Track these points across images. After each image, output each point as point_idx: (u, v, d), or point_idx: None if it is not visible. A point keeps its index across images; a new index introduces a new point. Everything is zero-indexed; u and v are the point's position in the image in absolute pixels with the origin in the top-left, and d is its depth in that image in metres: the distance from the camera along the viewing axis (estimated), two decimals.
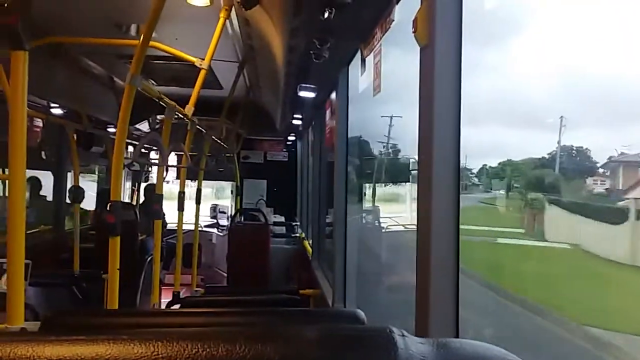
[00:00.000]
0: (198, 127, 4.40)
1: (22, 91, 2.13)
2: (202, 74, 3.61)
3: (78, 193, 5.33)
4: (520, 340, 2.62)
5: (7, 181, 2.24)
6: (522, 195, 2.97)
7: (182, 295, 4.54)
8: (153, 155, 7.66)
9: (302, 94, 4.46)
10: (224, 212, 9.68)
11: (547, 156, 2.61)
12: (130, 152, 6.66)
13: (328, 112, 4.86)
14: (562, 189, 2.65)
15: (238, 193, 9.04)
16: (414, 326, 1.68)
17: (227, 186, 11.71)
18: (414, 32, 1.69)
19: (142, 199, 8.83)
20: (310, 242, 6.79)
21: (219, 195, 12.21)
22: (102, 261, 3.01)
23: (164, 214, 4.82)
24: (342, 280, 3.98)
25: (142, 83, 2.84)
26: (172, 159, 5.76)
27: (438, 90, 1.58)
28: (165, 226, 5.65)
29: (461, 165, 1.65)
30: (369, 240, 5.24)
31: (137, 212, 5.63)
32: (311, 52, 3.11)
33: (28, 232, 2.27)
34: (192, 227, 5.68)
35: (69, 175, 6.21)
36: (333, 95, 4.34)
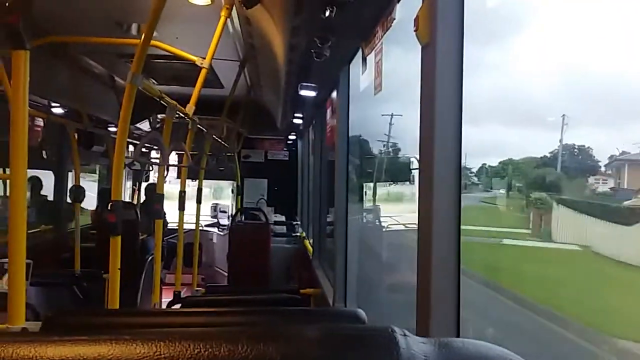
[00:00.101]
0: (199, 126, 4.40)
1: (23, 90, 2.13)
2: (203, 73, 3.61)
3: (79, 193, 5.34)
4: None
5: (8, 181, 2.24)
6: (525, 194, 2.94)
7: (182, 294, 4.54)
8: (154, 154, 7.66)
9: (303, 92, 4.46)
10: (225, 212, 9.69)
11: (548, 155, 2.60)
12: (131, 151, 6.66)
13: (329, 111, 4.86)
14: (566, 188, 2.62)
15: (239, 192, 9.04)
16: (414, 326, 1.68)
17: (226, 186, 11.70)
18: (415, 30, 1.68)
19: (142, 198, 8.84)
20: (311, 241, 6.79)
21: (217, 196, 12.13)
22: (103, 261, 3.01)
23: (165, 214, 4.82)
24: (342, 280, 3.98)
25: (143, 82, 2.84)
26: (173, 158, 5.76)
27: (439, 89, 1.57)
28: (166, 225, 5.65)
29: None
30: (370, 239, 5.23)
31: (138, 212, 5.64)
32: (312, 50, 3.11)
33: (29, 231, 2.27)
34: (192, 226, 5.69)
35: (70, 175, 6.22)
36: (334, 94, 4.34)
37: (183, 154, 4.42)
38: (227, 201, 10.49)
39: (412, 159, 4.13)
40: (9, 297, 2.17)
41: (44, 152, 5.11)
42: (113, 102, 5.37)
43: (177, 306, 4.23)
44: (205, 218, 9.09)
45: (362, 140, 5.25)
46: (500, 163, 3.15)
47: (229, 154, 7.44)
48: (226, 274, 7.82)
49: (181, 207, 4.65)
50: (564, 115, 2.38)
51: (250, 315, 2.00)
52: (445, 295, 1.56)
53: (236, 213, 8.15)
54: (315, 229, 6.24)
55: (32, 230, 5.40)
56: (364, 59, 3.06)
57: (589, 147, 2.43)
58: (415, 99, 1.72)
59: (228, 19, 3.39)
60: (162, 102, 3.47)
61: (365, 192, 5.45)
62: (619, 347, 2.04)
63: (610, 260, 2.14)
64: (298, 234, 8.52)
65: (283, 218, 9.17)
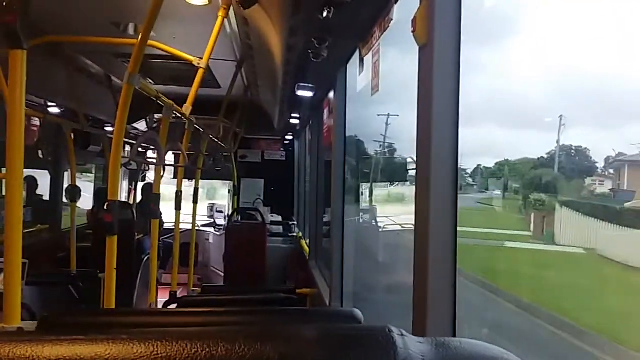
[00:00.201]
0: (196, 126, 4.40)
1: (20, 90, 2.13)
2: (200, 73, 3.61)
3: (75, 192, 5.33)
4: None
5: (4, 180, 2.24)
6: (523, 195, 2.93)
7: (179, 294, 4.53)
8: (150, 154, 7.65)
9: (300, 93, 4.46)
10: (221, 212, 9.69)
11: (545, 156, 2.60)
12: (128, 151, 6.65)
13: (326, 112, 4.85)
14: (565, 189, 2.61)
15: (235, 192, 9.03)
16: (411, 326, 1.68)
17: (219, 186, 11.66)
18: (413, 31, 1.69)
19: (139, 198, 8.83)
20: (308, 241, 6.79)
21: (210, 196, 12.04)
22: (99, 260, 3.01)
23: (161, 214, 4.81)
24: (339, 280, 3.98)
25: (140, 82, 2.84)
26: (170, 158, 5.75)
27: (437, 90, 1.58)
28: (162, 225, 5.64)
29: None
30: (365, 239, 5.23)
31: (134, 212, 5.63)
32: (309, 51, 3.11)
33: (25, 231, 2.26)
34: (189, 226, 5.68)
35: (66, 174, 6.21)
36: (331, 95, 4.34)
37: (180, 153, 4.41)
38: (221, 202, 10.47)
39: (408, 159, 4.14)
40: (4, 296, 2.16)
41: (40, 152, 5.11)
42: (110, 101, 5.35)
43: (174, 306, 4.23)
44: (202, 218, 9.08)
45: (358, 141, 5.26)
46: (496, 164, 3.15)
47: (225, 154, 7.43)
48: (222, 274, 7.82)
49: (177, 207, 4.65)
50: (561, 116, 2.39)
51: (247, 315, 2.00)
52: (442, 295, 1.57)
53: (233, 213, 8.14)
54: (312, 229, 6.24)
55: (28, 230, 5.38)
56: (362, 60, 3.06)
57: (585, 148, 2.44)
58: (412, 100, 1.72)
59: (225, 19, 3.39)
60: (159, 102, 3.47)
61: (362, 192, 5.45)
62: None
63: (617, 264, 2.10)
64: (294, 234, 8.52)
65: (280, 218, 9.17)
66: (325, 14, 2.50)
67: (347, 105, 4.02)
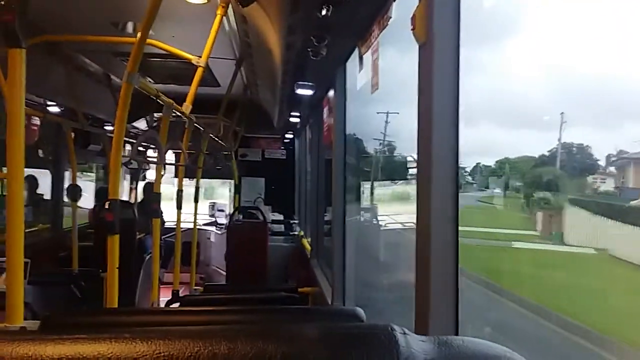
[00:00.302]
0: (196, 125, 4.39)
1: (20, 89, 2.13)
2: (199, 71, 3.60)
3: (75, 191, 5.33)
4: None
5: (4, 180, 2.24)
6: (525, 194, 2.89)
7: (181, 293, 4.54)
8: (151, 153, 7.65)
9: (300, 91, 4.45)
10: (222, 210, 9.68)
11: (547, 153, 2.60)
12: (128, 150, 6.65)
13: (326, 110, 4.85)
14: (568, 187, 2.58)
15: (236, 191, 9.03)
16: (413, 324, 1.68)
17: (218, 185, 11.62)
18: (412, 29, 1.68)
19: (140, 197, 8.83)
20: (309, 240, 6.79)
21: (208, 196, 11.96)
22: (100, 260, 3.01)
23: (162, 213, 4.81)
24: (341, 278, 3.98)
25: (139, 81, 2.84)
26: (170, 157, 5.75)
27: (436, 88, 1.58)
28: (164, 224, 5.64)
29: None
30: (367, 238, 5.23)
31: (136, 211, 5.63)
32: (308, 49, 3.11)
33: (26, 230, 2.26)
34: (190, 225, 5.68)
35: (67, 174, 6.21)
36: (331, 93, 4.33)
37: (180, 152, 4.41)
38: (220, 200, 10.47)
39: (408, 158, 4.13)
40: (7, 296, 2.17)
41: (40, 151, 5.11)
42: (109, 100, 5.35)
43: (176, 305, 4.23)
44: (203, 217, 9.08)
45: (358, 139, 5.26)
46: (496, 162, 3.14)
47: (226, 152, 7.43)
48: (224, 273, 7.82)
49: (179, 206, 4.65)
50: (562, 113, 2.38)
51: (249, 314, 2.00)
52: (444, 293, 1.57)
53: (234, 212, 8.15)
54: (313, 227, 6.24)
55: (30, 229, 5.39)
56: (361, 58, 3.06)
57: (587, 146, 2.43)
58: (412, 99, 1.72)
59: (224, 18, 3.38)
60: (158, 100, 3.47)
61: (363, 191, 5.45)
62: None
63: (631, 265, 2.06)
64: (296, 232, 8.52)
65: (281, 217, 9.16)
66: (323, 12, 2.50)
67: (346, 104, 4.02)
